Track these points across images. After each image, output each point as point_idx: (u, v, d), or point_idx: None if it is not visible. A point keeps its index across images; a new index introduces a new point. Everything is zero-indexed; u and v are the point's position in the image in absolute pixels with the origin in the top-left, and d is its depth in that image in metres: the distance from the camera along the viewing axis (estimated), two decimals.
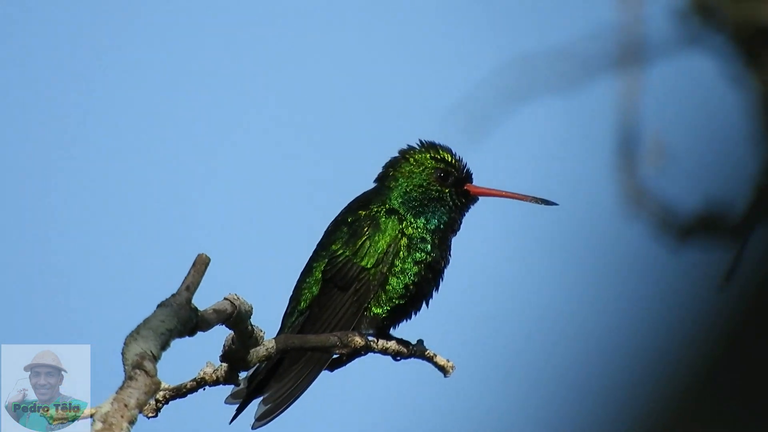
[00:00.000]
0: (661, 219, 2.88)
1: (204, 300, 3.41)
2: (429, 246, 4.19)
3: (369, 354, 4.17)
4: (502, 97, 2.98)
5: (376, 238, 4.17)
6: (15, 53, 5.77)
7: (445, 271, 4.23)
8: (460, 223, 4.25)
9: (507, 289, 3.46)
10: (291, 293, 4.23)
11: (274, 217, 5.21)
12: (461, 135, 3.09)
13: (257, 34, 5.88)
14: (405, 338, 4.20)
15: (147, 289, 4.90)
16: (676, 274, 2.80)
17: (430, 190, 4.22)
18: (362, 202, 4.25)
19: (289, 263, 4.33)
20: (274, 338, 3.92)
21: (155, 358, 3.15)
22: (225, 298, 3.54)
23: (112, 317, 4.78)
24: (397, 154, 4.28)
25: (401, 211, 4.20)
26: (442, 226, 4.21)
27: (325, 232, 4.26)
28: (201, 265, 3.36)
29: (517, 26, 3.09)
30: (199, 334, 3.40)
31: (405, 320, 4.22)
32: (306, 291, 4.19)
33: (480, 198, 4.25)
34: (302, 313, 4.18)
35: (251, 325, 3.65)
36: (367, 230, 4.18)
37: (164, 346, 3.20)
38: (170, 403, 3.97)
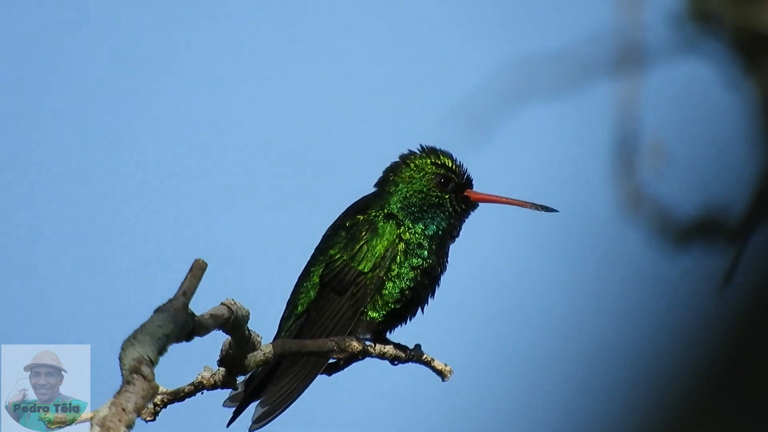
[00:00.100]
0: (659, 222, 2.88)
1: (201, 305, 3.41)
2: (426, 252, 4.18)
3: (366, 358, 4.16)
4: (502, 100, 2.98)
5: (374, 242, 4.17)
6: (15, 53, 5.77)
7: (442, 277, 4.23)
8: (460, 229, 4.24)
9: (506, 293, 3.46)
10: (288, 297, 4.23)
11: (271, 221, 5.21)
12: (461, 138, 3.09)
13: (256, 37, 5.88)
14: (402, 343, 4.20)
15: (145, 289, 4.90)
16: (675, 277, 2.80)
17: (430, 196, 4.21)
18: (361, 206, 4.25)
19: (286, 268, 4.33)
20: (271, 343, 3.92)
21: (153, 363, 3.15)
22: (222, 303, 3.54)
23: (112, 317, 4.78)
24: (397, 159, 4.27)
25: (400, 216, 4.20)
26: (440, 232, 4.21)
27: (324, 236, 4.26)
28: (198, 270, 3.36)
29: (517, 30, 3.10)
30: (197, 338, 3.40)
31: (400, 325, 4.22)
32: (303, 295, 4.19)
33: (480, 204, 4.25)
34: (299, 317, 4.18)
35: (248, 330, 3.65)
36: (365, 235, 4.17)
37: (161, 350, 3.20)
38: (168, 407, 3.97)
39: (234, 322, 3.55)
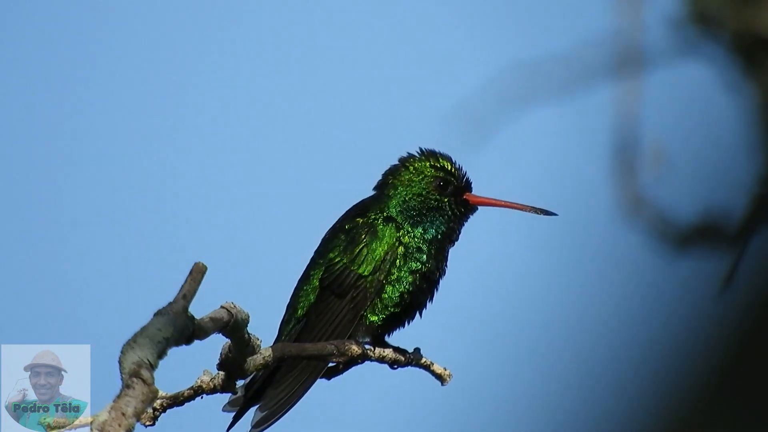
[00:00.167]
0: (659, 226, 2.88)
1: (201, 308, 3.40)
2: (425, 256, 4.18)
3: (366, 362, 4.16)
4: (502, 103, 2.98)
5: (374, 245, 4.16)
6: (15, 53, 5.77)
7: (441, 281, 4.23)
8: (459, 232, 4.24)
9: (505, 297, 3.46)
10: (288, 301, 4.23)
11: (271, 224, 5.21)
12: (461, 140, 3.09)
13: (257, 40, 5.87)
14: (401, 346, 4.20)
15: (145, 289, 4.91)
16: (675, 281, 2.80)
17: (429, 199, 4.21)
18: (360, 209, 4.24)
19: (286, 271, 4.32)
20: (271, 346, 3.92)
21: (152, 367, 3.15)
22: (222, 307, 3.54)
23: (112, 318, 4.78)
24: (396, 162, 4.27)
25: (399, 219, 4.19)
26: (439, 236, 4.20)
27: (323, 239, 4.26)
28: (198, 273, 3.35)
29: (517, 32, 3.09)
30: (196, 342, 3.39)
31: (398, 328, 4.21)
32: (303, 299, 4.19)
33: (479, 207, 4.24)
34: (299, 321, 4.18)
35: (248, 334, 3.64)
36: (364, 238, 4.17)
37: (161, 354, 3.20)
38: (168, 411, 3.97)
39: (234, 326, 3.54)
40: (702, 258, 2.88)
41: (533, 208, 4.17)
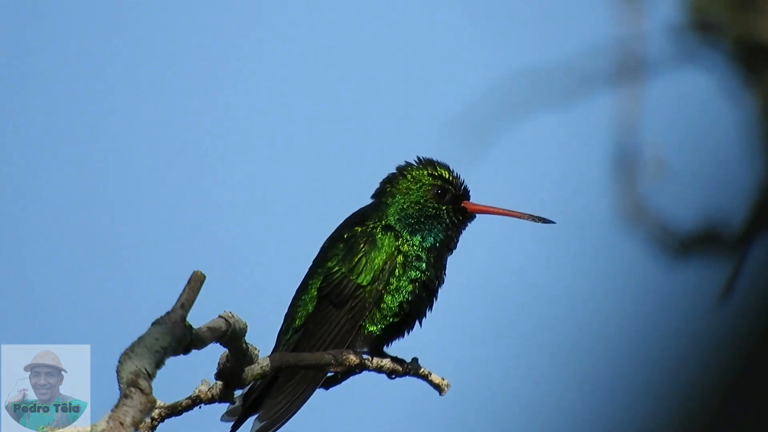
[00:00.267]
0: (659, 234, 2.88)
1: (199, 317, 3.40)
2: (424, 264, 4.17)
3: (364, 372, 4.15)
4: (501, 111, 2.98)
5: (373, 255, 4.16)
6: (15, 53, 5.77)
7: (440, 290, 4.22)
8: (457, 241, 4.23)
9: (504, 305, 3.45)
10: (286, 310, 4.22)
11: (269, 234, 5.21)
12: (461, 148, 3.09)
13: (258, 43, 5.88)
14: (399, 356, 4.19)
15: (145, 289, 4.91)
16: (675, 289, 2.80)
17: (427, 207, 4.20)
18: (359, 218, 4.24)
19: (284, 281, 4.32)
20: (268, 356, 3.91)
21: (150, 376, 3.14)
22: (220, 316, 3.53)
23: (112, 318, 4.78)
24: (394, 170, 4.26)
25: (398, 227, 4.19)
26: (437, 245, 4.20)
27: (321, 248, 4.25)
28: (196, 282, 3.35)
29: (517, 41, 3.09)
30: (194, 351, 3.39)
31: (398, 338, 4.20)
32: (301, 308, 4.18)
33: (477, 215, 4.24)
34: (297, 331, 4.17)
35: (246, 343, 3.64)
36: (363, 247, 4.16)
37: (159, 363, 3.19)
38: (166, 421, 3.96)
39: (231, 335, 3.54)
40: (702, 266, 2.88)
41: (531, 216, 4.16)
